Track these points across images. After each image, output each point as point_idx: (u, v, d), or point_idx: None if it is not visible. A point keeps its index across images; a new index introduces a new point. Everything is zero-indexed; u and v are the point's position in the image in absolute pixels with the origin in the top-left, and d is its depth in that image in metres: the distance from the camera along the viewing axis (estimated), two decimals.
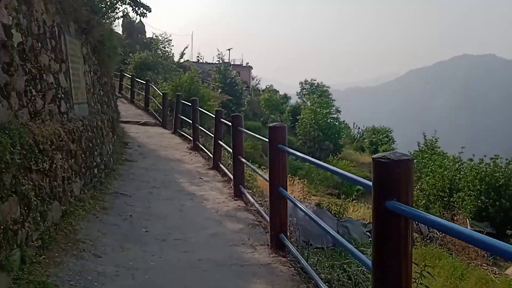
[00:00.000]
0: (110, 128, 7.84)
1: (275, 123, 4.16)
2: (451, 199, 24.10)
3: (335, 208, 11.73)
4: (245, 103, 30.86)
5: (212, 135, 8.76)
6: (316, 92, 46.72)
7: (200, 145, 10.11)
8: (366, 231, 11.83)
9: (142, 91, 17.54)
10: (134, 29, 42.75)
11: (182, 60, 25.52)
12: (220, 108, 20.13)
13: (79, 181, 5.01)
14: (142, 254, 3.85)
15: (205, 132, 10.01)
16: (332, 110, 37.02)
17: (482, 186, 21.77)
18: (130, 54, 23.16)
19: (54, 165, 3.95)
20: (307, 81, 51.54)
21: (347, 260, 4.38)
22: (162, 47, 24.50)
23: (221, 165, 8.01)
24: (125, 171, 7.44)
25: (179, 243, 4.23)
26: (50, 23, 4.84)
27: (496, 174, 21.49)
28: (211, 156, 8.66)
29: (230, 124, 6.76)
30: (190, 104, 10.73)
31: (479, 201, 21.83)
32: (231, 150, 6.76)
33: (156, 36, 25.44)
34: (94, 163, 5.89)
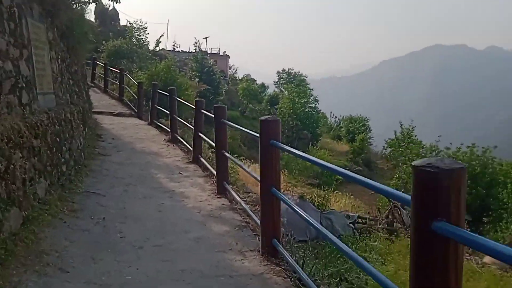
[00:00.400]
0: (80, 120, 7.24)
1: (267, 116, 3.75)
2: None
3: (318, 200, 11.45)
4: (223, 92, 30.26)
5: (192, 127, 8.28)
6: (294, 82, 46.53)
7: (179, 137, 9.59)
8: (350, 223, 11.62)
9: (116, 81, 16.77)
10: (107, 17, 41.30)
11: (157, 49, 24.60)
12: (198, 97, 19.59)
13: (44, 182, 4.47)
14: (117, 265, 3.38)
15: (184, 123, 9.50)
16: (310, 100, 36.82)
17: None
18: (104, 42, 22.19)
19: (12, 166, 3.42)
20: (284, 70, 51.30)
21: (345, 266, 4.02)
22: (137, 35, 23.56)
23: (202, 159, 7.54)
24: (97, 167, 6.88)
25: (158, 251, 3.77)
26: (8, 3, 4.24)
27: (473, 162, 21.87)
28: (191, 149, 8.18)
29: (211, 115, 6.29)
30: (167, 94, 10.16)
31: None
32: (213, 144, 6.30)
33: (130, 23, 24.44)
34: (63, 160, 5.34)
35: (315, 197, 11.50)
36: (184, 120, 11.67)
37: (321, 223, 11.12)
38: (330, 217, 11.24)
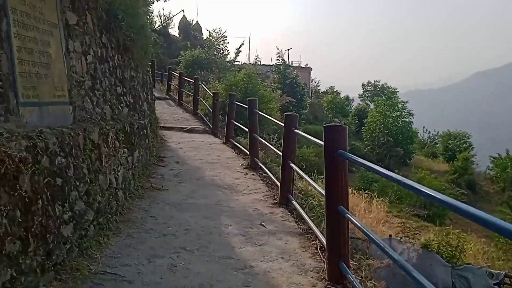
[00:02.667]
0: (126, 143, 5.14)
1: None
2: None
3: (447, 250, 8.30)
4: (307, 105, 27.69)
5: (278, 151, 5.86)
6: (382, 94, 42.66)
7: (260, 164, 7.21)
8: (494, 284, 8.33)
9: (192, 92, 15.03)
10: (190, 31, 41.12)
11: (238, 60, 22.87)
12: (279, 111, 17.27)
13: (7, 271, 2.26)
14: None
15: (267, 144, 7.10)
16: (403, 113, 32.91)
17: None
18: (182, 52, 20.91)
19: None
20: (370, 82, 47.54)
21: None
22: (217, 44, 22.01)
23: (294, 202, 5.04)
24: (141, 213, 4.66)
25: None
26: None
27: None
28: (277, 183, 5.74)
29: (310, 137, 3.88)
30: (246, 106, 7.86)
31: None
32: (319, 189, 3.79)
33: (209, 31, 23.01)
34: (65, 216, 3.11)
35: (442, 244, 8.34)
36: (267, 140, 9.33)
37: (453, 284, 7.99)
38: (465, 275, 8.04)
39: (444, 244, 8.29)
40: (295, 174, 5.44)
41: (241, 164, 7.70)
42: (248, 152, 7.85)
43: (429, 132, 45.23)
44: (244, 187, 6.25)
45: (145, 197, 5.30)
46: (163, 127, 11.06)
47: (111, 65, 5.47)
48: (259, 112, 7.47)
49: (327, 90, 47.96)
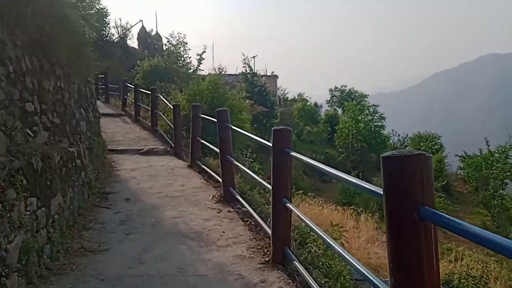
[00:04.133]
0: (34, 187, 3.26)
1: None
2: None
3: (469, 284, 6.74)
4: (278, 114, 26.13)
5: (266, 184, 4.16)
6: (352, 99, 41.93)
7: (237, 195, 5.44)
8: None
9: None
10: (150, 41, 38.98)
11: (202, 67, 20.84)
12: (250, 122, 15.57)
13: None
14: None
15: (249, 173, 5.32)
16: (375, 117, 32.01)
17: None
18: (138, 62, 18.90)
19: None
20: (337, 88, 46.68)
21: None
22: (177, 52, 20.10)
23: (297, 264, 3.31)
24: None
25: None
26: None
27: None
28: (265, 228, 4.03)
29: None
30: (215, 119, 6.06)
31: None
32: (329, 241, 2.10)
33: (167, 38, 21.06)
34: None
35: (463, 277, 6.76)
36: (241, 160, 7.62)
37: None
38: None
39: (465, 276, 6.73)
40: (294, 216, 3.71)
41: (212, 196, 5.88)
42: (220, 179, 6.07)
43: (399, 135, 44.87)
44: (218, 234, 4.44)
45: (67, 270, 3.41)
46: (113, 150, 9.09)
47: (12, 70, 3.60)
48: (233, 127, 5.68)
49: (294, 97, 46.74)
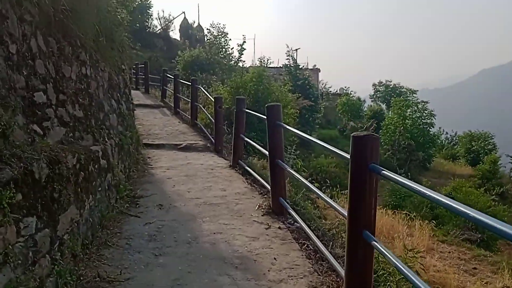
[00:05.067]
0: (32, 204, 2.46)
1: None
2: None
3: None
4: (321, 108, 24.90)
5: (338, 208, 3.19)
6: (397, 94, 39.90)
7: (289, 208, 4.49)
8: None
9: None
10: (192, 33, 38.60)
11: (243, 58, 19.91)
12: (295, 117, 14.51)
13: None
14: None
15: (299, 178, 4.36)
16: (424, 114, 30.11)
17: None
18: (179, 52, 18.26)
19: None
20: (381, 82, 44.59)
21: None
22: (218, 42, 19.32)
23: None
24: None
25: None
26: None
27: None
28: (328, 256, 3.08)
29: None
30: (263, 116, 5.12)
31: None
32: None
33: (208, 29, 20.30)
34: None
35: None
36: (287, 161, 6.70)
37: None
38: None
39: None
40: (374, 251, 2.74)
41: (259, 206, 4.96)
42: (267, 185, 5.15)
43: (447, 133, 42.45)
44: (269, 261, 3.52)
45: None
46: (149, 144, 8.36)
47: (14, 51, 2.81)
48: (287, 126, 4.70)
49: (337, 91, 45.09)
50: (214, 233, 4.15)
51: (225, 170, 6.91)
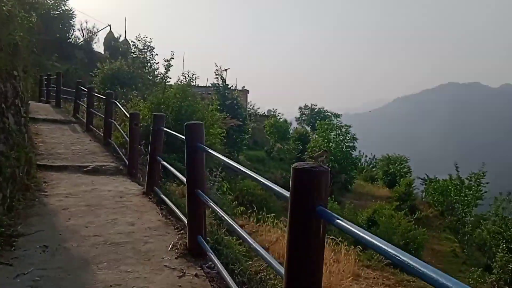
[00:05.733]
0: None
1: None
2: None
3: None
4: (249, 129, 24.49)
5: (241, 230, 2.45)
6: (323, 117, 41.15)
7: (209, 251, 3.66)
8: None
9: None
10: (115, 44, 36.69)
11: (169, 75, 18.78)
12: (222, 137, 13.78)
13: None
14: None
15: (218, 212, 3.56)
16: (347, 138, 31.08)
17: None
18: (98, 64, 16.81)
19: None
20: (307, 106, 45.96)
21: None
22: (143, 57, 18.14)
23: None
24: None
25: None
26: None
27: None
28: None
29: None
30: (182, 137, 4.29)
31: None
32: None
33: (133, 41, 19.04)
34: None
35: None
36: (211, 185, 5.95)
37: None
38: None
39: None
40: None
41: (172, 245, 4.07)
42: (184, 218, 4.28)
43: (366, 156, 44.46)
44: None
45: None
46: (49, 166, 7.09)
47: None
48: (209, 150, 3.89)
49: (264, 113, 45.39)
50: (110, 286, 3.20)
51: (137, 198, 5.90)
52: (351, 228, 1.72)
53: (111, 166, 7.67)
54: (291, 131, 37.90)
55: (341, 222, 1.77)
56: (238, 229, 3.13)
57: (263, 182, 2.53)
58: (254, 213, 12.50)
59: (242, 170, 2.96)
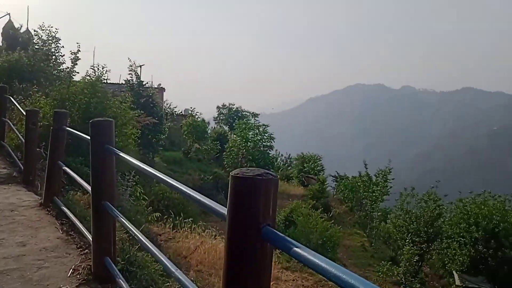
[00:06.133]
0: None
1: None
2: (432, 246, 19.56)
3: None
4: (166, 129, 23.51)
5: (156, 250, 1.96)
6: (239, 117, 41.30)
7: (118, 276, 3.07)
8: None
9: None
10: (18, 38, 33.15)
11: (77, 70, 16.95)
12: (136, 137, 12.86)
13: None
14: None
15: (130, 229, 3.01)
16: (265, 137, 31.38)
17: (480, 233, 17.47)
18: None
19: None
20: (225, 105, 45.76)
21: None
22: (47, 48, 16.38)
23: None
24: None
25: None
26: None
27: (495, 216, 17.33)
28: None
29: None
30: (87, 136, 3.63)
31: (473, 251, 17.49)
32: None
33: (36, 31, 17.10)
34: None
35: None
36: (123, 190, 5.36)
37: None
38: None
39: None
40: None
41: (73, 270, 3.39)
42: (88, 235, 3.62)
43: (282, 155, 45.50)
44: None
45: None
46: None
47: None
48: (120, 153, 3.26)
49: (181, 112, 44.29)
50: None
51: (32, 211, 5.02)
52: (313, 258, 1.33)
53: (2, 173, 6.57)
54: (209, 131, 37.40)
55: (299, 250, 1.38)
56: (154, 250, 2.60)
57: (192, 196, 2.04)
58: (171, 219, 11.84)
59: (162, 178, 2.45)
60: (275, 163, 38.88)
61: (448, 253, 17.73)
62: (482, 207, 17.50)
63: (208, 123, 43.54)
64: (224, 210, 1.66)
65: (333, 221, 21.11)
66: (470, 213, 17.75)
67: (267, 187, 1.52)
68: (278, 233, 1.50)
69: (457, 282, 16.67)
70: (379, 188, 27.67)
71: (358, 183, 30.30)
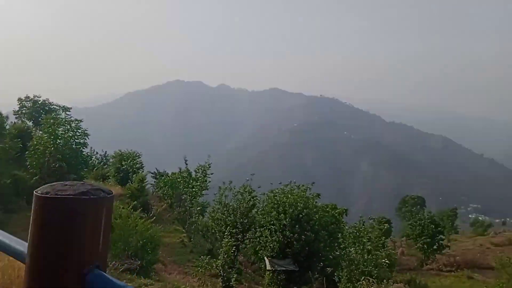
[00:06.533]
0: None
1: None
2: (246, 235, 20.93)
3: None
4: None
5: None
6: (46, 111, 36.94)
7: None
8: None
9: None
10: None
11: None
12: None
13: None
14: None
15: None
16: (78, 133, 28.63)
17: (287, 220, 19.39)
18: None
19: None
20: (28, 97, 40.12)
21: None
22: None
23: None
24: None
25: None
26: None
27: (299, 203, 19.47)
28: None
29: None
30: None
31: (282, 237, 19.36)
32: None
33: None
34: None
35: None
36: None
37: None
38: None
39: None
40: None
41: None
42: None
43: (97, 153, 42.50)
44: None
45: None
46: None
47: None
48: None
49: None
50: None
51: None
52: None
53: None
54: (7, 127, 32.17)
55: None
56: None
57: None
58: None
59: None
60: (90, 162, 35.88)
61: (261, 241, 19.14)
62: (289, 195, 19.43)
63: (7, 117, 37.49)
64: (23, 247, 1.14)
65: (153, 218, 20.60)
66: (279, 202, 19.49)
67: (96, 211, 1.07)
68: (112, 278, 1.08)
69: (268, 266, 18.20)
70: (198, 184, 28.11)
71: (178, 179, 30.16)
